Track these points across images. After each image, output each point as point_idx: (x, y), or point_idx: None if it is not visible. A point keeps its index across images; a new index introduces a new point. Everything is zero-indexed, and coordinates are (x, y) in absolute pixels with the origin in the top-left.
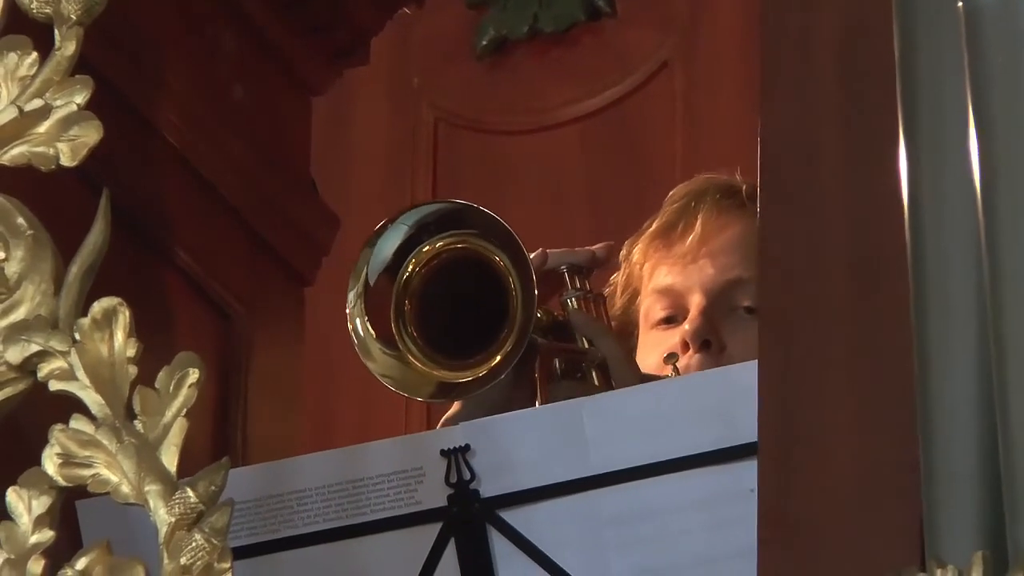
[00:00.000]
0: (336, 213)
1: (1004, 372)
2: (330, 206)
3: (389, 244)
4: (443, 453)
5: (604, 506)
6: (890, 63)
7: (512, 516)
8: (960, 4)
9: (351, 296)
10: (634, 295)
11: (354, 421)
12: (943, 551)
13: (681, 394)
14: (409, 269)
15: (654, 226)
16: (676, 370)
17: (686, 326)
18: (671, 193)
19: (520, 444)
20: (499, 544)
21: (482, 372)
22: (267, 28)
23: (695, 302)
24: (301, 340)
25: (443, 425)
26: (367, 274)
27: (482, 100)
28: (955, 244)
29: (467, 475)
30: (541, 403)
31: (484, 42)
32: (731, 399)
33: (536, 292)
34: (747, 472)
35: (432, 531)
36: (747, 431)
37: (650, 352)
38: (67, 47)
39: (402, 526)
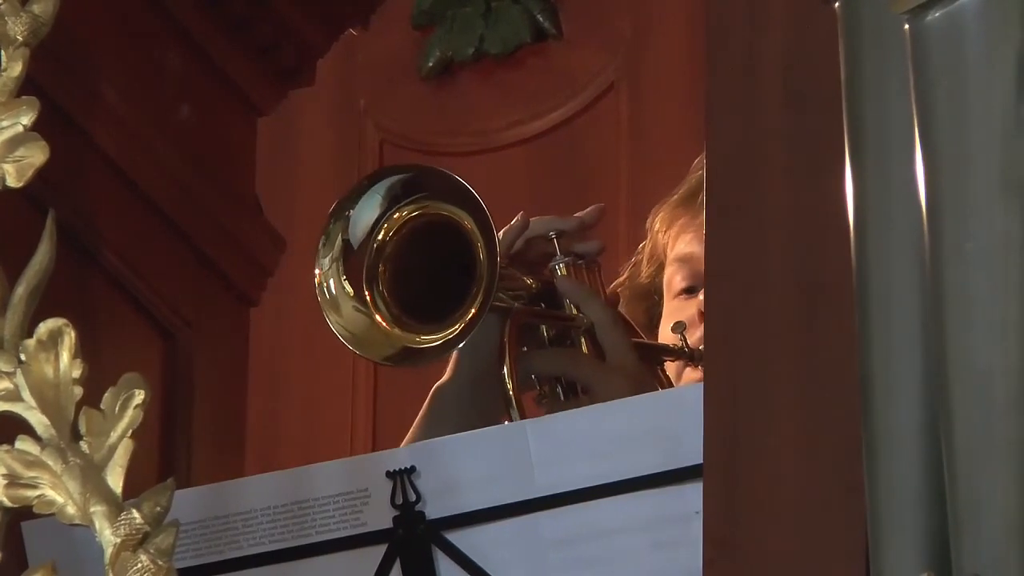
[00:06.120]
0: (281, 233)
1: (948, 394)
2: (275, 226)
3: (365, 207)
4: (389, 475)
5: (549, 528)
6: (836, 84)
7: (457, 537)
8: (906, 26)
9: (325, 261)
10: (659, 264)
11: (299, 441)
12: (888, 573)
13: (627, 416)
14: (382, 235)
15: (677, 194)
16: (684, 339)
17: (702, 296)
18: (695, 161)
19: (466, 465)
20: (444, 565)
21: (448, 336)
22: (212, 47)
23: None
24: (246, 360)
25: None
26: (344, 239)
27: (428, 121)
28: (900, 266)
29: (412, 497)
30: (508, 370)
31: (430, 63)
32: (677, 421)
33: (499, 256)
34: (692, 494)
35: (378, 553)
36: (693, 453)
37: (670, 322)
38: (13, 68)
39: (348, 547)
